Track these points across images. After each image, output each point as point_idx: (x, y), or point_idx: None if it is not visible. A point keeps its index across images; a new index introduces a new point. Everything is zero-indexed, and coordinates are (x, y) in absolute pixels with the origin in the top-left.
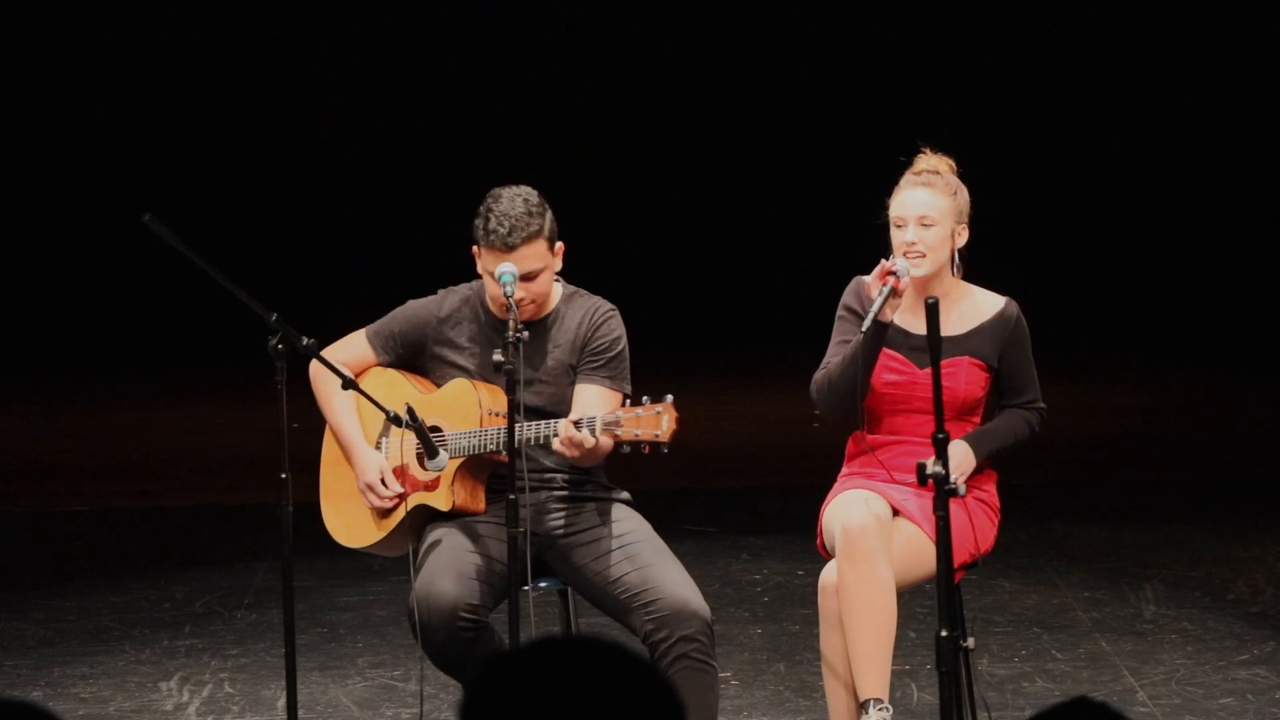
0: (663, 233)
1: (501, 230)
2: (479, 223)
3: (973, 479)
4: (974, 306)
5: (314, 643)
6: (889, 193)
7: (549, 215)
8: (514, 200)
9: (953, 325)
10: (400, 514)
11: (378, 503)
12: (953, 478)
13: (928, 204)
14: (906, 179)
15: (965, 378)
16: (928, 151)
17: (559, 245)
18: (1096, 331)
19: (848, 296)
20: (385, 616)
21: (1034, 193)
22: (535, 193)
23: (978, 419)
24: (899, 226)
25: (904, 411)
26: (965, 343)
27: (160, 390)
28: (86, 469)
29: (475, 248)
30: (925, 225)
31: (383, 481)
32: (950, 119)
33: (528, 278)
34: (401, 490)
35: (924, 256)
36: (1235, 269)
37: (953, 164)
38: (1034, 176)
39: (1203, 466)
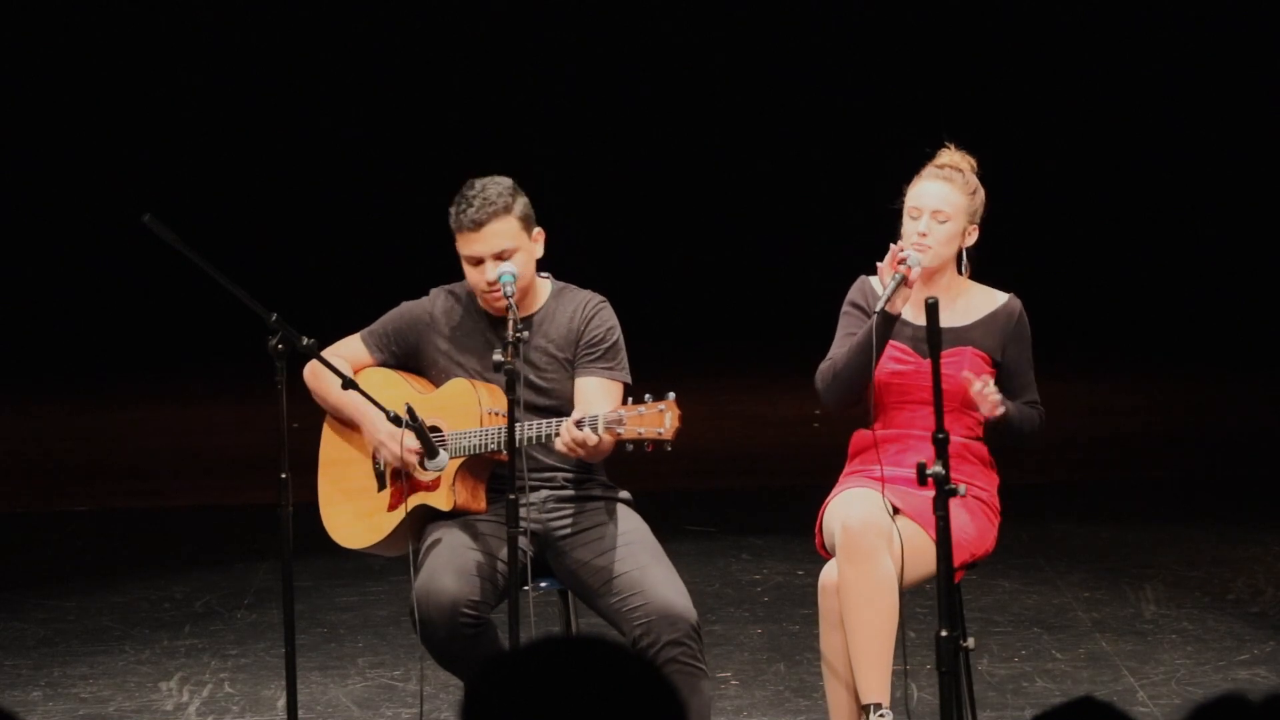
0: (662, 231)
1: (470, 210)
2: (450, 210)
3: (973, 479)
4: (977, 300)
5: (314, 643)
6: (908, 180)
7: (522, 198)
8: (484, 184)
9: (956, 317)
10: (400, 514)
11: (397, 450)
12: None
13: (945, 198)
14: (928, 170)
15: (968, 368)
16: (952, 147)
17: (538, 231)
18: (1096, 331)
19: (853, 294)
20: (385, 616)
21: (1034, 192)
22: (510, 180)
23: (980, 414)
24: (913, 217)
25: (909, 403)
26: (968, 334)
27: (160, 390)
28: (86, 469)
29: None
30: (939, 219)
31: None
32: (949, 117)
33: (500, 256)
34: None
35: (929, 249)
36: (1235, 269)
37: (974, 163)
38: (1034, 176)
39: (1203, 466)
